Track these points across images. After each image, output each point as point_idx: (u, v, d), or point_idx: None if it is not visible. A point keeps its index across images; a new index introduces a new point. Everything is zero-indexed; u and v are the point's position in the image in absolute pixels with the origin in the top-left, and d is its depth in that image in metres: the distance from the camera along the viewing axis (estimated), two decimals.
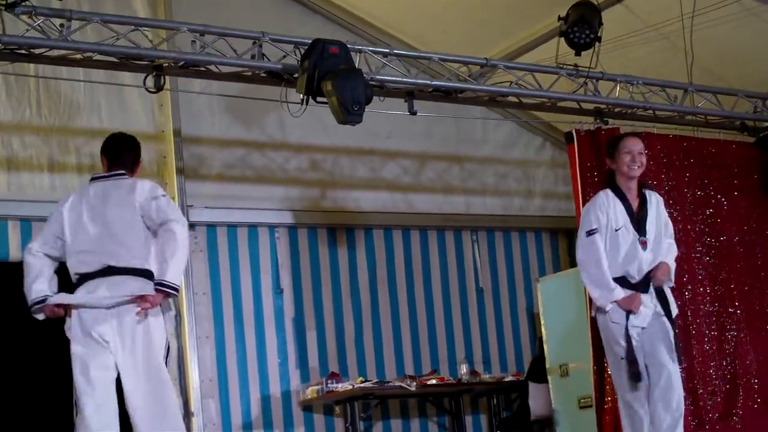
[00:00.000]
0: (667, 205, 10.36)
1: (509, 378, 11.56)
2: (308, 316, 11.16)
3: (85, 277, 7.00)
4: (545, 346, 10.97)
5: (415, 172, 12.12)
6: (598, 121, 10.52)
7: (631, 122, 10.75)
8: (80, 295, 6.96)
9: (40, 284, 7.01)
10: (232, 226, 10.95)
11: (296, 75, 8.73)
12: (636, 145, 8.26)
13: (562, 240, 12.96)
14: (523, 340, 12.37)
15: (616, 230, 8.08)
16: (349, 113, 8.65)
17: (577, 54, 9.80)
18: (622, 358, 7.92)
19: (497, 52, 11.17)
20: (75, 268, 7.06)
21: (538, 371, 11.06)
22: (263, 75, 9.05)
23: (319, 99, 8.61)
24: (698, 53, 10.32)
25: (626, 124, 10.68)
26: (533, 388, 11.03)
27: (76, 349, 6.91)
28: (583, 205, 10.01)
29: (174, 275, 6.95)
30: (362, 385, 10.60)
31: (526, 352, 12.27)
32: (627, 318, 7.89)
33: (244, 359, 10.70)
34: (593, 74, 10.13)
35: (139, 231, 7.06)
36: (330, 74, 8.47)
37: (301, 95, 8.61)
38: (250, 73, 9.08)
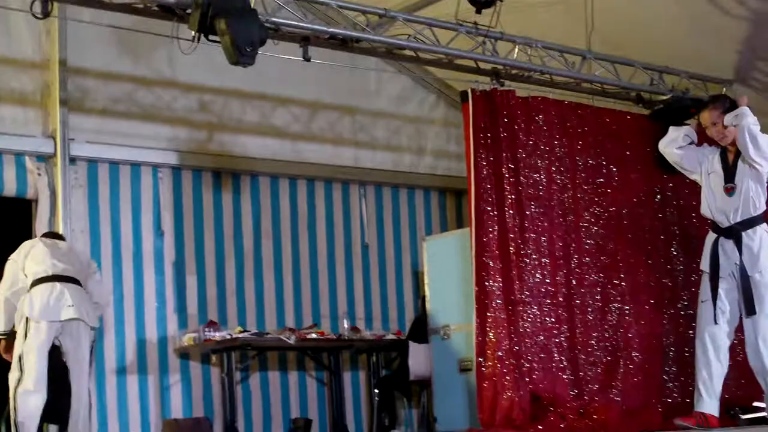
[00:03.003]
0: (558, 172, 10.48)
1: (390, 336, 11.50)
2: (189, 260, 10.99)
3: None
4: (428, 306, 10.84)
5: (305, 120, 11.95)
6: (494, 82, 10.44)
7: (527, 86, 10.70)
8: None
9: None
10: (114, 163, 10.69)
11: (189, 11, 8.41)
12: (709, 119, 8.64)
13: (450, 199, 12.91)
14: (406, 299, 12.33)
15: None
16: (242, 54, 8.42)
17: (478, 12, 9.66)
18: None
19: (397, 3, 10.93)
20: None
21: (419, 331, 10.95)
22: (155, 8, 8.69)
23: (211, 37, 8.33)
24: (599, 22, 10.27)
25: (523, 87, 10.64)
26: (414, 347, 10.91)
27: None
28: (475, 165, 9.99)
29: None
30: (240, 335, 10.49)
31: (408, 311, 12.23)
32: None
33: (120, 301, 10.48)
34: (492, 34, 9.99)
35: None
36: (224, 12, 8.18)
37: (194, 32, 8.32)
38: (141, 6, 8.71)
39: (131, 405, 10.39)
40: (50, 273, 8.70)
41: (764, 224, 8.49)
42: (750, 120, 8.35)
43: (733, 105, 8.60)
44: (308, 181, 11.90)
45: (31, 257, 8.79)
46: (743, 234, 8.42)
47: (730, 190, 8.52)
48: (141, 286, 10.63)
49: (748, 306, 8.37)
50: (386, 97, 12.52)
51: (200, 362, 10.86)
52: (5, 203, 9.95)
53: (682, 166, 8.90)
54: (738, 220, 8.47)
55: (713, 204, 8.62)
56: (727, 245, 8.50)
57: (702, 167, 8.77)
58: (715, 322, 8.46)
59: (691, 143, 8.92)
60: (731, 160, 8.61)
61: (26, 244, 8.95)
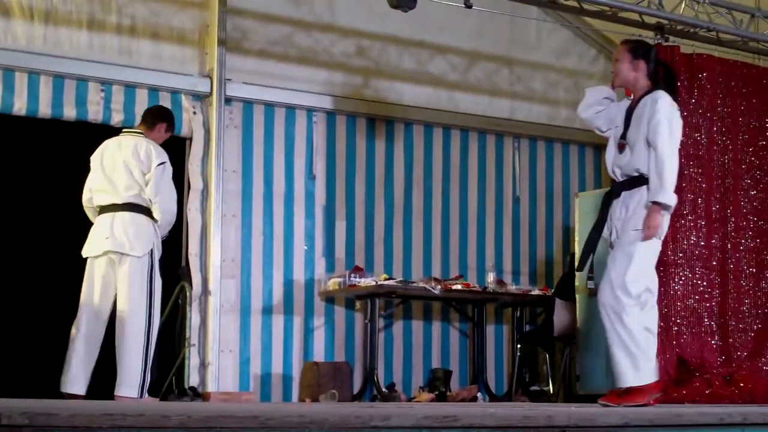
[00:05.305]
0: (719, 133, 10.23)
1: (536, 292, 11.33)
2: (339, 205, 10.95)
3: None
4: (576, 263, 10.65)
5: (462, 69, 11.80)
6: (658, 37, 10.23)
7: (691, 42, 10.46)
8: None
9: None
10: (269, 105, 10.68)
11: None
12: (616, 53, 7.58)
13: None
14: (555, 255, 12.11)
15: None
16: None
17: None
18: None
19: None
20: None
21: (566, 288, 10.78)
22: None
23: None
24: None
25: (686, 43, 10.41)
26: (560, 304, 10.75)
27: None
28: None
29: None
30: (384, 282, 10.45)
31: (557, 267, 12.00)
32: None
33: (270, 242, 10.51)
34: None
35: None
36: None
37: None
38: None
39: (275, 345, 10.43)
40: (99, 204, 8.47)
41: None
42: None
43: (647, 54, 7.37)
44: (462, 132, 11.76)
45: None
46: None
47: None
48: (291, 228, 10.63)
49: None
50: (545, 50, 12.29)
51: (345, 307, 10.85)
52: None
53: (600, 129, 7.60)
54: None
55: None
56: None
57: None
58: None
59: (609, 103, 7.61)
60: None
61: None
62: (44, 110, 9.52)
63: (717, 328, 10.04)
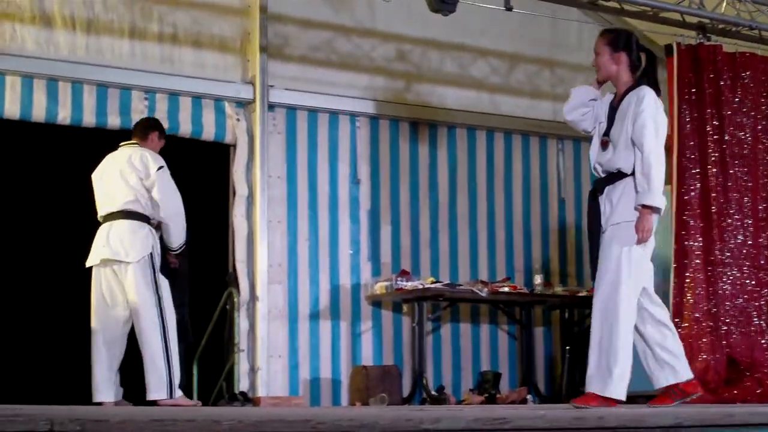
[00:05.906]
0: (764, 131, 10.18)
1: (583, 293, 11.22)
2: (384, 209, 10.97)
3: None
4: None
5: (504, 72, 11.79)
6: (700, 36, 10.21)
7: (734, 41, 10.43)
8: None
9: None
10: (312, 111, 10.70)
11: None
12: (594, 47, 7.24)
13: None
14: None
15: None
16: (443, 1, 8.41)
17: None
18: None
19: None
20: None
21: None
22: None
23: None
24: None
25: (729, 42, 10.38)
26: None
27: None
28: (678, 121, 9.80)
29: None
30: (431, 285, 10.45)
31: None
32: None
33: (315, 247, 10.54)
34: None
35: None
36: None
37: None
38: None
39: (323, 350, 10.46)
40: (100, 214, 8.51)
41: None
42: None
43: (627, 45, 7.10)
44: (505, 134, 11.74)
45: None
46: None
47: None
48: (336, 233, 10.66)
49: None
50: (587, 51, 12.03)
51: (392, 311, 10.85)
52: (204, 147, 10.07)
53: (587, 130, 7.31)
54: None
55: None
56: None
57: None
58: None
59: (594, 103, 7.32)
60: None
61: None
62: (88, 119, 9.61)
63: (766, 327, 9.96)
